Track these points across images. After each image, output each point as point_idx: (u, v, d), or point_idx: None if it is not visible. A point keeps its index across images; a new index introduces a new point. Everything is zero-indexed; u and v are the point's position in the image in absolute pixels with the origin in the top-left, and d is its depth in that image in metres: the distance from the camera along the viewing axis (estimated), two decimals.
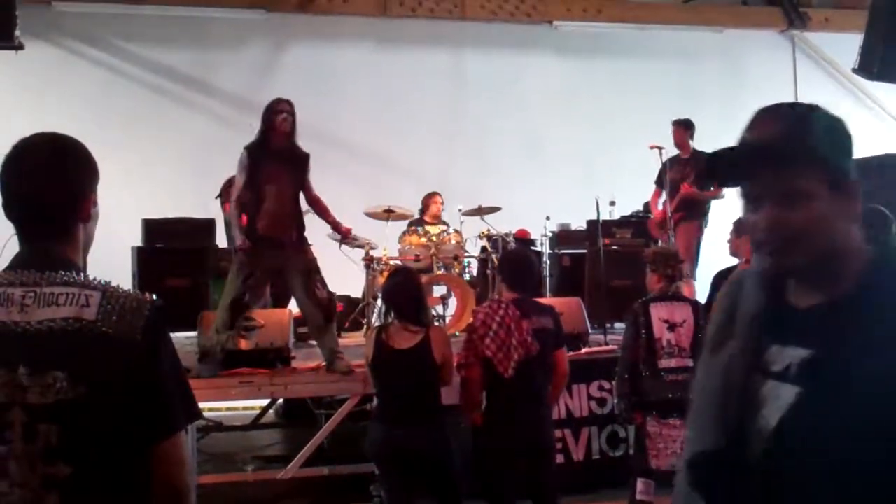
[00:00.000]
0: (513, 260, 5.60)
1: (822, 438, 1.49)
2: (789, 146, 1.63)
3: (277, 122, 6.25)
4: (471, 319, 5.28)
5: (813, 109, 1.70)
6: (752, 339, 1.69)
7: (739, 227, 5.90)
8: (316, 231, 7.05)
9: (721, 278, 5.81)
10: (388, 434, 4.82)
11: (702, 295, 6.87)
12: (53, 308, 1.84)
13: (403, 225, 9.16)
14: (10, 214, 1.94)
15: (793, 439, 1.54)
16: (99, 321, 1.84)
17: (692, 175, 8.99)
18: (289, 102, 6.34)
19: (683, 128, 9.15)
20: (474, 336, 5.01)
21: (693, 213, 8.97)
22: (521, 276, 5.24)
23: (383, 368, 4.93)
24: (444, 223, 9.24)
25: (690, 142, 9.13)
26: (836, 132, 1.67)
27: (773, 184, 1.63)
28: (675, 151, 9.18)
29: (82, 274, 1.93)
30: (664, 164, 9.05)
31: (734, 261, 5.92)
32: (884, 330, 1.51)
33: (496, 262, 8.10)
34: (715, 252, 6.32)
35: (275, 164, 6.26)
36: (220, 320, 6.31)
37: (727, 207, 8.60)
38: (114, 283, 1.93)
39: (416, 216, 9.34)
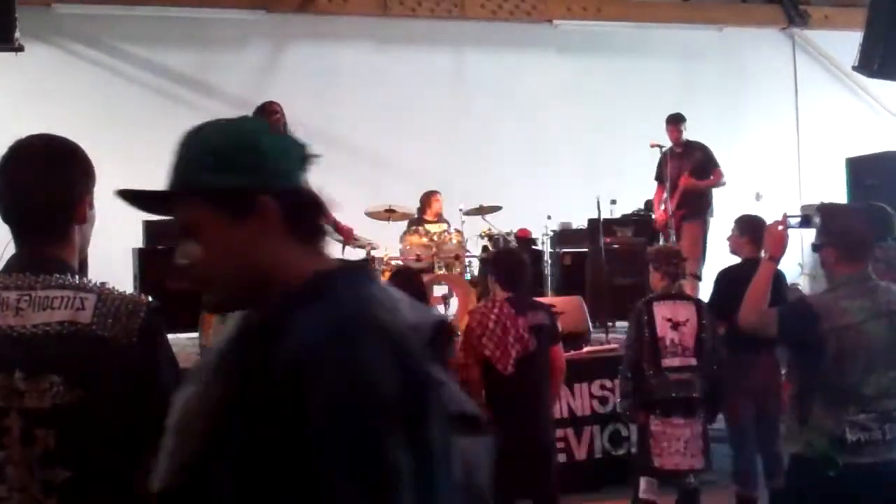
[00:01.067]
0: (504, 259, 5.61)
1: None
2: (174, 179, 1.48)
3: (270, 122, 6.29)
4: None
5: (201, 129, 1.50)
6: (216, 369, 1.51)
7: (742, 225, 5.88)
8: None
9: (724, 277, 5.79)
10: None
11: (705, 293, 6.85)
12: (49, 311, 1.83)
13: (404, 225, 9.16)
14: (6, 217, 1.94)
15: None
16: (94, 324, 1.83)
17: (689, 168, 9.00)
18: (279, 104, 6.43)
19: (676, 123, 9.15)
20: (471, 337, 5.02)
21: (696, 209, 8.97)
22: (513, 275, 5.25)
23: None
24: (445, 221, 9.24)
25: (684, 133, 9.14)
26: (227, 151, 1.45)
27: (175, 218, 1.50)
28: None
29: (77, 276, 1.92)
30: (661, 159, 9.07)
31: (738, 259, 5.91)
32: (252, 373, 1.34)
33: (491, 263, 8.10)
34: (720, 249, 6.30)
35: None
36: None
37: (735, 203, 8.60)
38: (109, 286, 1.93)
39: (416, 215, 9.33)
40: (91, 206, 1.99)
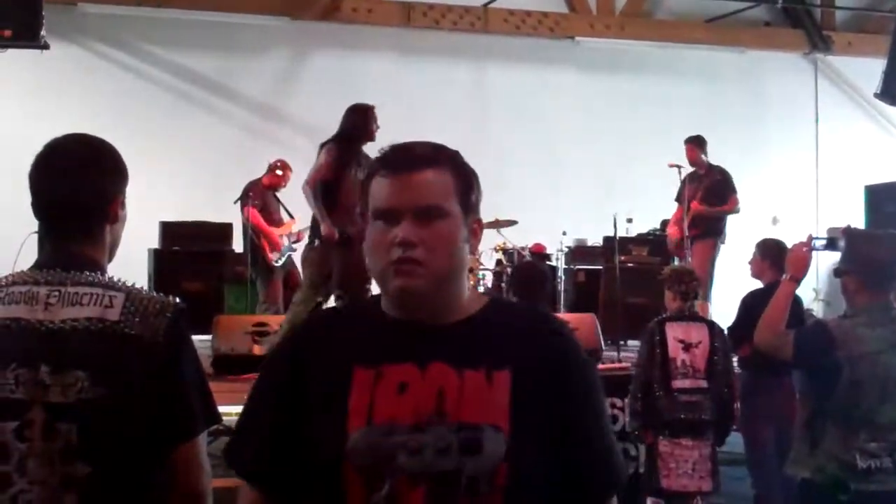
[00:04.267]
0: (524, 273, 5.59)
1: None
2: None
3: (374, 130, 6.49)
4: None
5: None
6: None
7: (764, 249, 5.83)
8: None
9: (750, 300, 5.67)
10: None
11: (717, 315, 6.82)
12: (77, 307, 1.85)
13: None
14: (39, 214, 1.95)
15: None
16: (121, 322, 1.85)
17: (702, 192, 8.93)
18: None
19: (696, 144, 9.07)
20: None
21: (708, 230, 8.90)
22: (533, 289, 5.23)
23: None
24: None
25: (704, 157, 9.06)
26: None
27: None
28: (692, 168, 9.15)
29: (107, 275, 1.94)
30: (683, 181, 9.02)
31: (754, 283, 5.86)
32: None
33: (511, 274, 8.09)
34: (735, 272, 6.26)
35: (355, 164, 6.41)
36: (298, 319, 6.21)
37: (751, 227, 8.58)
38: (138, 285, 1.95)
39: None
40: (123, 206, 2.02)
